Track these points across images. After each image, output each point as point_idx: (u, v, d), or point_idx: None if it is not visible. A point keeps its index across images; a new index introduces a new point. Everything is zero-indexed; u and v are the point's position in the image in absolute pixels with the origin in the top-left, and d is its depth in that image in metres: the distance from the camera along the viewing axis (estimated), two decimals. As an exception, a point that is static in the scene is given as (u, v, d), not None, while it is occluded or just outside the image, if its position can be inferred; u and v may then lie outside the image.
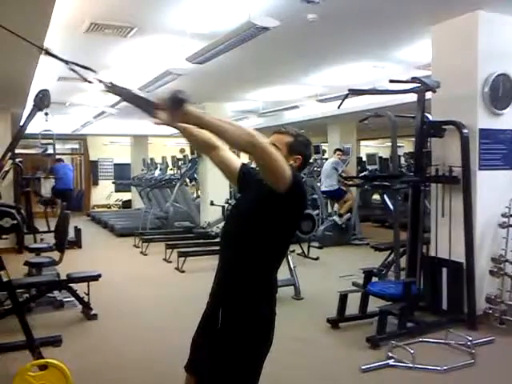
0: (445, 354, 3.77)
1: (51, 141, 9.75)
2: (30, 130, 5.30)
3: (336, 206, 9.44)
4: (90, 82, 1.79)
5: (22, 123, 4.74)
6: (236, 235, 1.93)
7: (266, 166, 1.70)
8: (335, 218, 8.89)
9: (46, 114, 5.96)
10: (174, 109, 1.56)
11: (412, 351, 3.53)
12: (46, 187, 11.92)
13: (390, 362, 3.56)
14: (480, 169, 4.44)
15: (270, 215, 1.81)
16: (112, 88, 1.69)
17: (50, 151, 11.21)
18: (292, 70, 7.19)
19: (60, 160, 12.41)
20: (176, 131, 1.90)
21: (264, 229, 1.83)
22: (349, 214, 8.99)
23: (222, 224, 8.80)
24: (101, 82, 1.71)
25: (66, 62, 1.81)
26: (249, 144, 1.64)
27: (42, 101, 4.64)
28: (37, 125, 7.22)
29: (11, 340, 3.68)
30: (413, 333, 4.09)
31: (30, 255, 6.12)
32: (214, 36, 4.82)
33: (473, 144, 4.40)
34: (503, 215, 4.38)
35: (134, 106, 1.68)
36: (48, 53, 1.91)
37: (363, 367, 3.48)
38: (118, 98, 8.79)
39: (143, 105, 1.64)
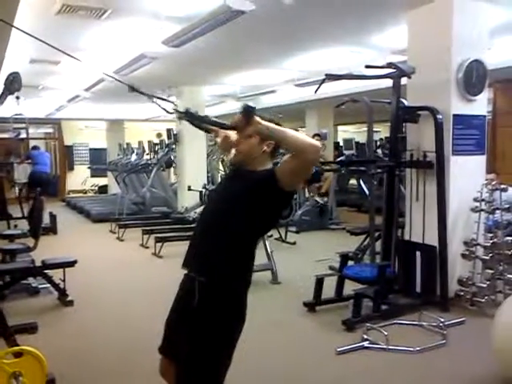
0: (418, 335, 3.87)
1: (24, 125, 9.54)
2: (1, 113, 5.19)
3: (312, 190, 9.51)
4: (170, 113, 2.00)
5: (-8, 107, 4.64)
6: (217, 219, 1.96)
7: (303, 169, 1.85)
8: (317, 198, 8.91)
9: (18, 97, 5.83)
10: (248, 121, 1.77)
11: (386, 333, 3.60)
12: (20, 173, 11.67)
13: (365, 343, 3.63)
14: (453, 154, 4.51)
15: (259, 203, 1.87)
16: (188, 115, 1.88)
17: (23, 136, 11.00)
18: (269, 55, 7.15)
19: (36, 147, 12.15)
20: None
21: (250, 216, 1.89)
22: (325, 198, 9.06)
23: (199, 209, 8.80)
24: (177, 111, 1.92)
25: (151, 97, 1.97)
26: (303, 151, 1.75)
27: (13, 84, 4.54)
28: (9, 109, 7.06)
29: (-15, 328, 3.63)
30: (387, 315, 4.17)
31: (3, 242, 6.02)
32: (189, 19, 4.76)
33: (446, 129, 4.46)
34: (475, 200, 4.48)
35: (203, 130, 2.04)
36: (134, 89, 2.04)
37: (339, 349, 3.54)
38: (93, 81, 8.64)
39: (224, 126, 1.91)
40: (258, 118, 1.78)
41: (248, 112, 1.76)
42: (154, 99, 2.01)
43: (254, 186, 1.90)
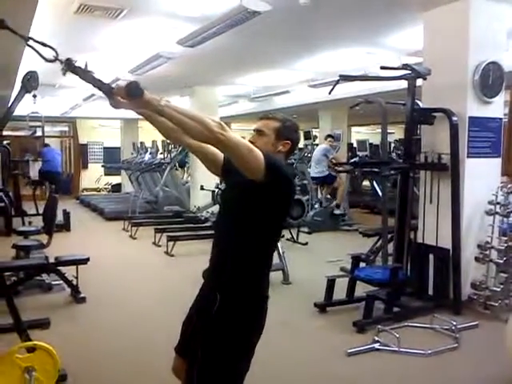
0: (430, 338, 3.83)
1: (40, 123, 9.64)
2: (18, 112, 5.25)
3: (324, 191, 9.50)
4: (48, 60, 1.71)
5: (9, 105, 4.69)
6: (227, 224, 1.94)
7: (234, 159, 1.71)
8: (335, 210, 8.91)
9: (34, 96, 5.88)
10: (131, 98, 1.60)
11: (397, 335, 3.58)
12: (35, 170, 11.80)
13: (376, 345, 3.61)
14: (468, 156, 4.47)
15: (255, 205, 1.81)
16: (68, 66, 1.65)
17: (39, 134, 11.11)
18: (284, 55, 7.15)
19: (47, 145, 12.30)
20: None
21: (253, 218, 1.83)
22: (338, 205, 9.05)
23: (211, 208, 8.82)
24: (57, 59, 1.67)
25: (26, 39, 1.76)
26: (210, 139, 1.65)
27: (30, 82, 4.59)
28: (25, 107, 7.14)
29: (-1, 322, 3.68)
30: (399, 317, 4.15)
31: (18, 238, 6.09)
32: (205, 19, 4.78)
33: (462, 132, 4.42)
34: (490, 202, 4.43)
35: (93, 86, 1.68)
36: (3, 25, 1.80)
37: (349, 351, 3.53)
38: (108, 80, 8.71)
39: (102, 88, 1.66)
40: (152, 99, 1.61)
41: (133, 93, 1.59)
42: (30, 42, 1.73)
43: (246, 186, 1.80)
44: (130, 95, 1.60)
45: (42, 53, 1.73)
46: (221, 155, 1.99)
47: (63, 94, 10.69)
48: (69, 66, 1.65)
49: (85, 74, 1.66)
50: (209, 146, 1.85)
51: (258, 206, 1.81)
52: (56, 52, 1.68)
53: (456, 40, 4.50)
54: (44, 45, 1.70)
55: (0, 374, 2.71)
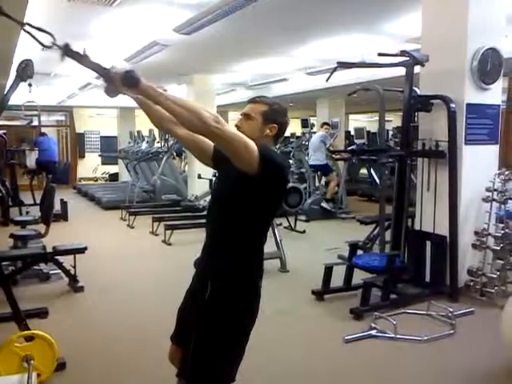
0: (426, 324, 3.86)
1: (36, 112, 9.59)
2: (14, 101, 5.20)
3: (323, 180, 9.51)
4: (46, 46, 1.70)
5: (4, 93, 4.65)
6: (219, 213, 1.94)
7: (229, 152, 1.70)
8: (323, 204, 8.91)
9: (30, 84, 5.85)
10: (127, 86, 1.60)
11: (394, 322, 3.60)
12: (32, 159, 11.76)
13: (373, 332, 3.63)
14: (466, 143, 4.46)
15: (247, 195, 1.80)
16: (66, 51, 1.64)
17: (35, 123, 11.05)
18: (281, 42, 7.09)
19: (43, 134, 12.21)
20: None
21: (245, 208, 1.83)
22: (336, 188, 9.05)
23: (209, 197, 8.79)
24: (55, 45, 1.65)
25: (22, 24, 1.74)
26: (204, 131, 1.64)
27: (25, 71, 4.54)
28: (21, 96, 7.09)
29: (-3, 312, 3.68)
30: (396, 304, 4.17)
31: (15, 228, 6.08)
32: (201, 6, 4.73)
33: (460, 119, 4.41)
34: (487, 189, 4.43)
35: (92, 71, 1.68)
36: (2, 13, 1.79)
37: (346, 338, 3.55)
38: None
39: (100, 72, 1.66)
40: (149, 87, 1.61)
41: (129, 80, 1.59)
42: (27, 27, 1.69)
43: (237, 177, 1.78)
44: (126, 84, 1.60)
45: (40, 39, 1.71)
46: (210, 145, 1.98)
47: (59, 82, 10.61)
48: (66, 51, 1.64)
49: (82, 59, 1.65)
50: (199, 136, 1.84)
51: (250, 196, 1.81)
52: (53, 37, 1.66)
53: (454, 25, 4.46)
54: (41, 30, 1.68)
55: (-1, 362, 2.73)
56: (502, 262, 4.33)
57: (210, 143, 1.94)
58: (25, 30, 1.74)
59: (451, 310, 3.84)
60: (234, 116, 16.91)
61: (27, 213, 7.58)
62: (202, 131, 1.66)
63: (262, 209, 1.86)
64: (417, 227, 4.82)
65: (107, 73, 1.64)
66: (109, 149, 15.63)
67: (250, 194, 1.80)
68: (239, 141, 1.68)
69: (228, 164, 1.75)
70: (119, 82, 1.61)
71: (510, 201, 4.41)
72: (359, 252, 4.88)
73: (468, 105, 4.43)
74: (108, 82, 1.65)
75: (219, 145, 1.74)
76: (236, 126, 1.93)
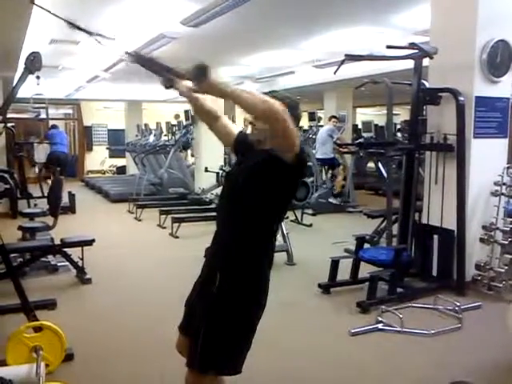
0: (433, 318, 3.85)
1: (44, 105, 9.61)
2: (21, 94, 5.22)
3: (329, 173, 9.50)
4: (129, 54, 1.79)
5: (13, 86, 4.67)
6: (233, 201, 1.95)
7: (280, 132, 1.75)
8: (331, 199, 8.91)
9: (38, 77, 5.85)
10: (198, 79, 1.64)
11: (401, 316, 3.59)
12: (39, 153, 11.79)
13: (379, 326, 3.63)
14: (475, 137, 4.43)
15: (268, 183, 1.84)
16: (137, 58, 1.74)
17: (43, 116, 11.07)
18: (288, 35, 7.05)
19: (55, 126, 12.20)
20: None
21: (261, 196, 1.86)
22: (343, 182, 9.03)
23: (216, 190, 8.83)
24: (128, 53, 1.75)
25: (92, 34, 1.82)
26: (265, 112, 1.70)
27: (33, 64, 4.55)
28: (29, 89, 7.11)
29: (6, 303, 3.71)
30: (402, 298, 4.17)
31: (23, 220, 6.13)
32: (208, -2, 4.71)
33: (468, 112, 4.38)
34: (496, 183, 4.40)
35: (154, 74, 1.76)
36: (73, 25, 1.94)
37: (353, 331, 3.55)
38: (112, 62, 8.65)
39: (165, 73, 1.75)
40: (215, 80, 1.68)
41: (201, 71, 1.64)
42: (96, 37, 1.83)
43: (262, 164, 1.86)
44: (196, 78, 1.65)
45: (102, 40, 1.87)
46: (235, 137, 2.14)
47: (67, 75, 10.62)
48: (137, 59, 1.73)
49: (154, 65, 1.74)
50: (229, 129, 2.15)
51: (271, 184, 1.84)
52: (107, 38, 1.75)
53: (463, 17, 4.42)
54: (108, 38, 1.87)
55: (8, 352, 2.76)
56: (510, 256, 4.30)
57: (234, 134, 2.14)
58: (96, 40, 1.92)
59: (458, 304, 3.83)
60: (242, 109, 16.88)
61: (35, 205, 7.62)
62: (263, 113, 1.72)
63: (277, 199, 1.90)
64: (424, 221, 4.80)
65: (177, 73, 1.74)
66: (116, 142, 15.68)
67: (272, 181, 1.84)
68: (291, 123, 1.75)
69: (250, 153, 1.93)
70: (190, 77, 1.68)
71: (518, 195, 4.38)
72: (366, 246, 4.87)
73: (477, 98, 4.40)
74: (177, 81, 1.77)
75: (276, 125, 1.74)
76: (250, 123, 1.98)
